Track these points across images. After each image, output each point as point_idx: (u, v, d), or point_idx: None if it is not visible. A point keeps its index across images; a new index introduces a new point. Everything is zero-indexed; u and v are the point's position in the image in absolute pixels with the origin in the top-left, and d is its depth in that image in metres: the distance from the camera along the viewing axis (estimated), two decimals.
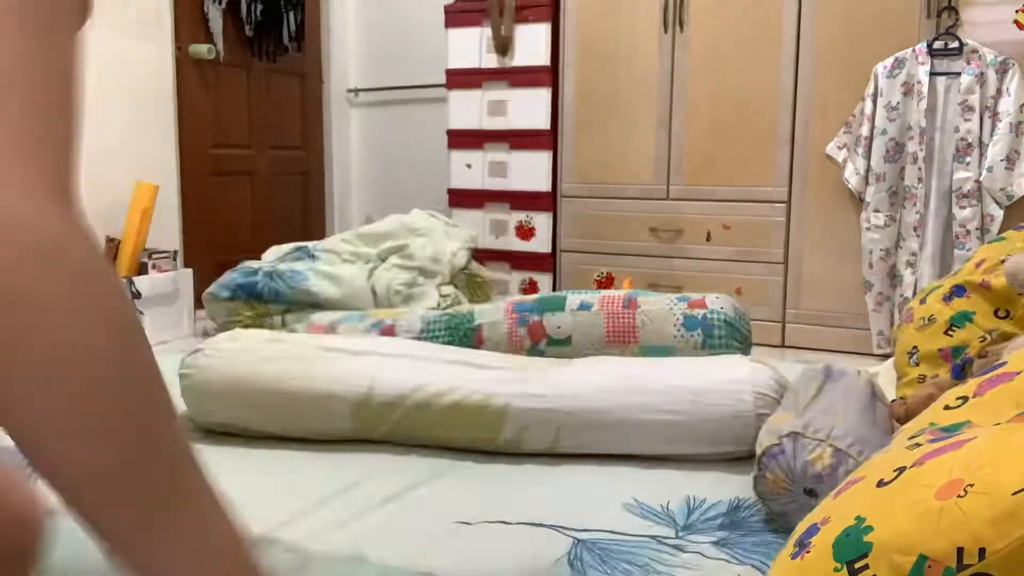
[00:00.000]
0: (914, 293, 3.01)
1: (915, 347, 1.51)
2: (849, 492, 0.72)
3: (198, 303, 3.79)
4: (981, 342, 1.41)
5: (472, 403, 1.53)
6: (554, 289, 3.78)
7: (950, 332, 1.46)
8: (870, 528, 0.64)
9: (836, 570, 0.63)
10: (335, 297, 2.55)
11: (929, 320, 1.51)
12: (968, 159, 2.95)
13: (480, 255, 3.91)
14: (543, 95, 3.67)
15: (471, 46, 3.81)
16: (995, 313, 1.42)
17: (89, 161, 3.43)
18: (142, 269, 3.41)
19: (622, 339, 1.95)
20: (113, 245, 3.39)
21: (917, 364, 1.49)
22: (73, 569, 0.96)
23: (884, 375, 1.76)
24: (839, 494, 0.74)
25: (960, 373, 1.42)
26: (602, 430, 1.53)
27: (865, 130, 3.09)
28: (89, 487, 0.44)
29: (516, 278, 3.82)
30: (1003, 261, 1.51)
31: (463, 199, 3.91)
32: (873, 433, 1.24)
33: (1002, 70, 2.89)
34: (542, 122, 3.68)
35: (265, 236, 4.42)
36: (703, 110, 3.40)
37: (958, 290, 1.50)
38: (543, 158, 3.71)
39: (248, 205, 4.30)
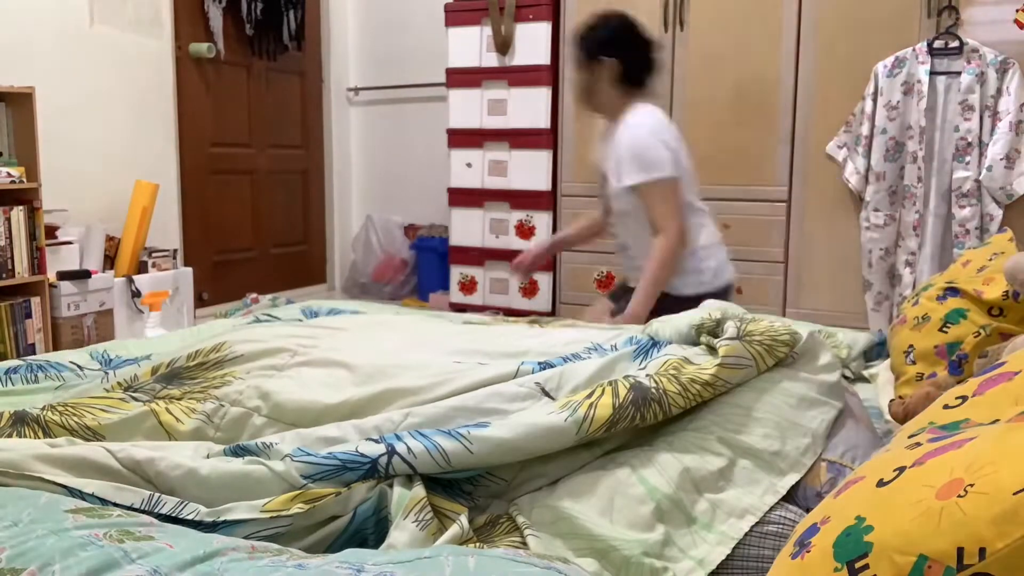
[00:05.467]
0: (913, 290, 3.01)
1: (911, 346, 1.51)
2: (849, 492, 0.72)
3: (198, 301, 3.79)
4: (975, 337, 1.42)
5: None
6: (554, 288, 3.78)
7: (944, 329, 1.47)
8: (870, 528, 0.64)
9: (836, 570, 0.63)
10: None
11: (923, 319, 1.52)
12: (968, 158, 2.95)
13: (480, 254, 3.91)
14: (543, 94, 3.67)
15: (471, 45, 3.80)
16: (989, 311, 1.43)
17: (89, 160, 3.44)
18: (142, 267, 3.41)
19: None
20: (113, 243, 3.39)
21: (914, 362, 1.50)
22: None
23: (883, 375, 1.76)
24: (839, 493, 0.74)
25: (957, 368, 1.43)
26: None
27: (865, 129, 3.09)
28: None
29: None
30: (983, 267, 1.52)
31: (463, 198, 3.91)
32: (858, 432, 1.24)
33: (1002, 69, 2.89)
34: (542, 121, 3.68)
35: (265, 234, 4.42)
36: (703, 109, 3.40)
37: (951, 291, 1.51)
38: (543, 157, 3.71)
39: (248, 204, 4.30)
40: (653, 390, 1.19)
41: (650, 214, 2.23)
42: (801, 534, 0.72)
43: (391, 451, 1.09)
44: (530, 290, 3.80)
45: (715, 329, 1.38)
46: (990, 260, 1.54)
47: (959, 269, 1.59)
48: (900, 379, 1.52)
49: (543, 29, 3.64)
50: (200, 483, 1.07)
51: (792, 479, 1.13)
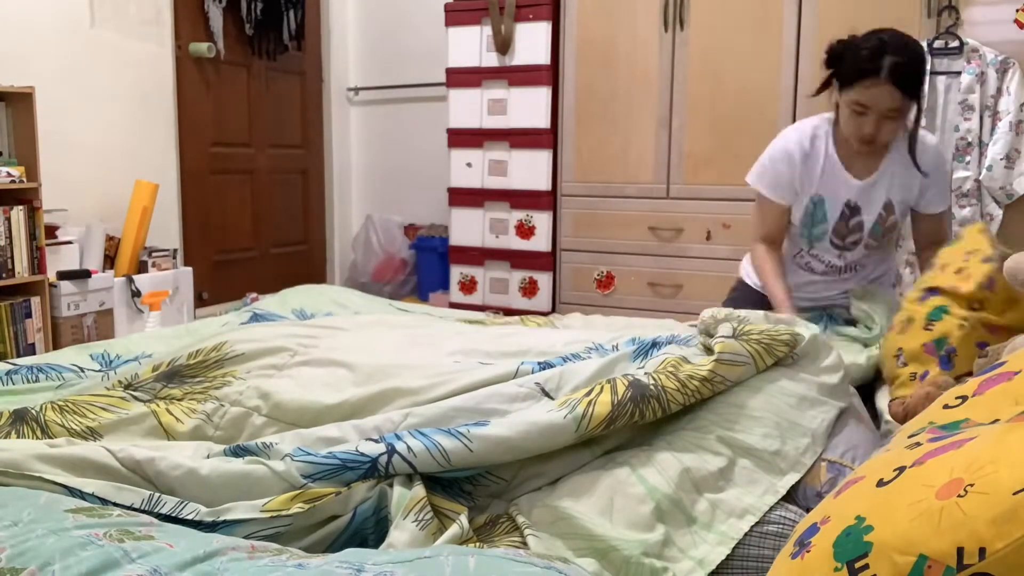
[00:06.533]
0: None
1: (900, 349, 1.53)
2: (849, 492, 0.72)
3: (198, 301, 3.79)
4: (960, 329, 1.44)
5: None
6: (554, 288, 3.78)
7: (929, 327, 1.49)
8: (870, 528, 0.64)
9: (836, 570, 0.63)
10: None
11: (908, 322, 1.55)
12: (968, 158, 2.94)
13: (480, 254, 3.90)
14: (543, 94, 3.67)
15: (471, 44, 3.80)
16: (970, 307, 1.46)
17: (90, 160, 3.43)
18: (142, 267, 3.41)
19: None
20: (113, 243, 3.39)
21: (905, 364, 1.51)
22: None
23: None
24: (839, 493, 0.74)
25: (948, 363, 1.44)
26: None
27: None
28: None
29: (516, 277, 3.82)
30: (961, 268, 1.55)
31: (463, 198, 3.90)
32: (858, 432, 1.24)
33: (1002, 69, 2.89)
34: (542, 121, 3.68)
35: (265, 234, 4.42)
36: (703, 109, 3.40)
37: (931, 291, 1.54)
38: (543, 157, 3.71)
39: (248, 203, 4.30)
40: (651, 387, 1.19)
41: (945, 230, 2.20)
42: (801, 534, 0.72)
43: (391, 450, 1.08)
44: (530, 290, 3.80)
45: (713, 330, 1.39)
46: (965, 260, 1.56)
47: (937, 273, 1.61)
48: (895, 382, 1.53)
49: (543, 29, 3.64)
50: (200, 483, 1.07)
51: (792, 479, 1.13)
